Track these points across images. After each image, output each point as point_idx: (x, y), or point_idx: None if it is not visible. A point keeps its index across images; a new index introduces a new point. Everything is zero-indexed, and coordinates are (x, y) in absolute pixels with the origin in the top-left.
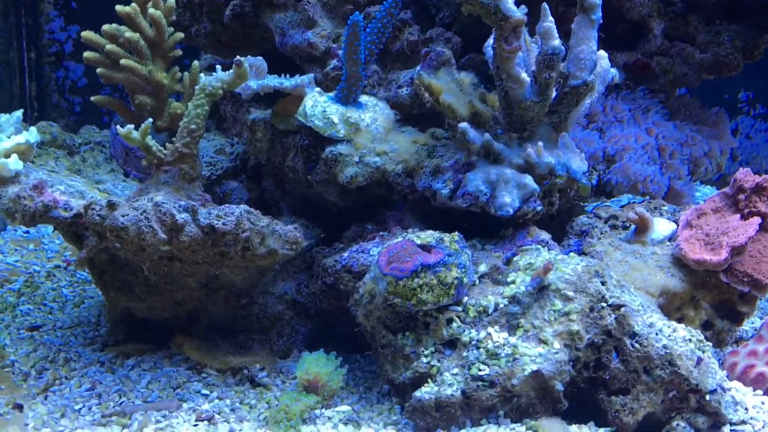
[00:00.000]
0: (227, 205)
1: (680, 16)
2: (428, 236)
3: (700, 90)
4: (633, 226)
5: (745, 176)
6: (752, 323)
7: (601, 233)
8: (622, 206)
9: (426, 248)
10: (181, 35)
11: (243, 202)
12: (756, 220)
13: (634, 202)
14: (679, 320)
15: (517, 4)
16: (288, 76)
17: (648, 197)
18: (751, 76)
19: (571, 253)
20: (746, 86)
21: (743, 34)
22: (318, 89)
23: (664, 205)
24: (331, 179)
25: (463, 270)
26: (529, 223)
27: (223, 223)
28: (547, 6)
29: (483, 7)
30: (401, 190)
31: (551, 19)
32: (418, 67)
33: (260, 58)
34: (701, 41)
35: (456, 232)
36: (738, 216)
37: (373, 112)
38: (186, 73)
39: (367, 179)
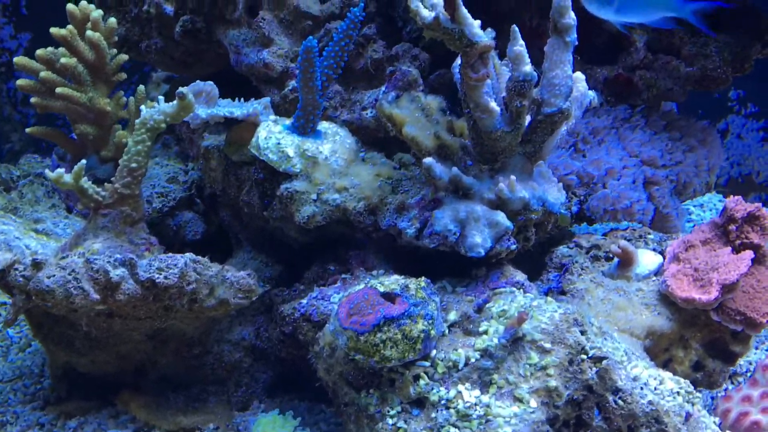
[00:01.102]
0: (171, 254)
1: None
2: (392, 282)
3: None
4: (617, 259)
5: (736, 205)
6: (747, 357)
7: (582, 269)
8: (604, 234)
9: (390, 297)
10: (124, 57)
11: (199, 234)
12: (748, 255)
13: (617, 229)
14: (668, 361)
15: (485, 25)
16: (242, 100)
17: (632, 224)
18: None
19: (548, 298)
20: (737, 84)
21: (732, 45)
22: (273, 117)
23: (649, 233)
24: (288, 217)
25: (430, 321)
26: (504, 261)
27: (165, 277)
28: (517, 29)
29: (446, 33)
30: (364, 228)
31: (522, 42)
32: (383, 88)
33: (210, 82)
34: (687, 53)
35: (423, 278)
36: (729, 249)
37: (333, 143)
38: (132, 98)
39: (326, 218)
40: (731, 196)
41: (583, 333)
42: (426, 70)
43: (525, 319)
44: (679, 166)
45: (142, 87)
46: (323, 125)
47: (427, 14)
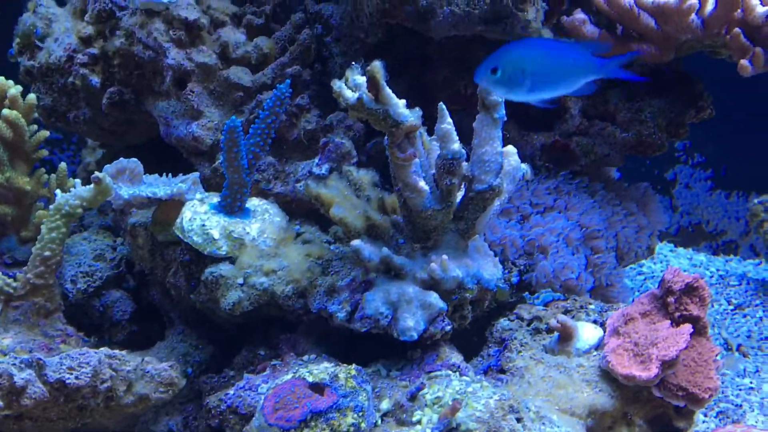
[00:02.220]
0: (85, 350)
1: (598, 93)
2: (321, 371)
3: None
4: (557, 333)
5: (674, 277)
6: (696, 427)
7: (522, 345)
8: (546, 303)
9: (319, 387)
10: (45, 134)
11: (127, 314)
12: (687, 329)
13: (559, 299)
14: None
15: (419, 93)
16: (171, 175)
17: (573, 295)
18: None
19: (484, 383)
20: None
21: (666, 111)
22: (200, 195)
23: (590, 303)
24: (215, 301)
25: (360, 413)
26: (440, 342)
27: (77, 377)
28: (444, 107)
29: (371, 114)
30: (294, 311)
31: (450, 120)
32: (317, 159)
33: (134, 159)
34: (622, 119)
35: (354, 366)
36: (668, 322)
37: (262, 222)
38: (53, 176)
39: (253, 303)
40: (678, 263)
41: (519, 420)
42: (361, 140)
43: (458, 408)
44: (619, 232)
45: (63, 165)
46: (252, 202)
47: (350, 95)
